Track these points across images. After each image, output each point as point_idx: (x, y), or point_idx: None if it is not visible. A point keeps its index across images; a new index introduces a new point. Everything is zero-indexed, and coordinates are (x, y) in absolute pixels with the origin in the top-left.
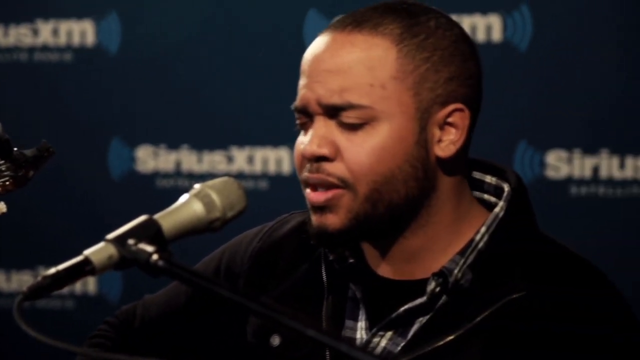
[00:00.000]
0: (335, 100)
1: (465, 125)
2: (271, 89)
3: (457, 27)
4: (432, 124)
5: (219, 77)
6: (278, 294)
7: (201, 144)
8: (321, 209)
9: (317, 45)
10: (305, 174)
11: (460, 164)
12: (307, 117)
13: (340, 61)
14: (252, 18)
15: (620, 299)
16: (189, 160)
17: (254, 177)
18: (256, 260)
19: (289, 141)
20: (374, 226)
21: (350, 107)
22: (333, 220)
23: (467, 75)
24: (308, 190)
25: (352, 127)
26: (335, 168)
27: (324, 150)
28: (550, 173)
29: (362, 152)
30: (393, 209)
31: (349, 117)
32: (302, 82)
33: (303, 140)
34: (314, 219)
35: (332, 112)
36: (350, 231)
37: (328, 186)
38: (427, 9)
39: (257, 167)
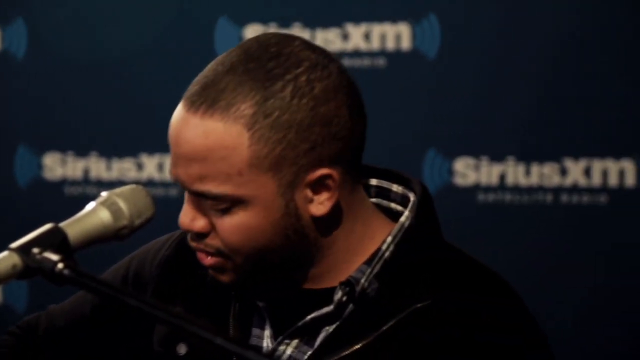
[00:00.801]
0: (197, 187)
1: (337, 182)
2: (180, 96)
3: (326, 78)
4: (300, 191)
5: (128, 83)
6: (186, 302)
7: (110, 151)
8: (211, 269)
9: (177, 121)
10: (188, 237)
11: (341, 209)
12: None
13: (196, 150)
14: (161, 24)
15: (522, 307)
16: (97, 167)
17: (164, 184)
18: (165, 268)
19: None
20: (267, 277)
21: (210, 196)
22: (225, 279)
23: (331, 136)
24: (197, 252)
25: (220, 210)
26: (211, 241)
27: (197, 227)
28: (458, 180)
29: (232, 231)
30: (278, 266)
31: (213, 203)
32: (171, 153)
33: (183, 208)
34: (210, 272)
35: (199, 195)
36: (244, 283)
37: (209, 254)
38: (289, 65)
39: (167, 175)
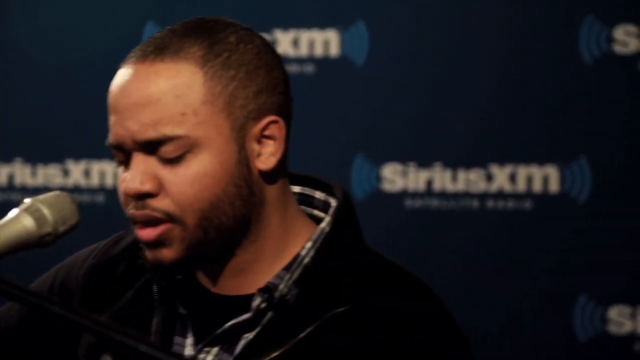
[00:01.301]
0: (151, 134)
1: (282, 135)
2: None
3: (258, 37)
4: (250, 140)
5: (55, 88)
6: (111, 311)
7: (35, 157)
8: (154, 244)
9: (122, 78)
10: (131, 212)
11: (281, 174)
12: (124, 154)
13: (148, 93)
14: (88, 28)
15: (442, 310)
16: (22, 173)
17: (91, 190)
18: (90, 277)
19: None
20: (209, 250)
21: (166, 139)
22: (167, 254)
23: (274, 84)
24: (136, 227)
25: (173, 160)
26: (160, 203)
27: (147, 187)
28: (386, 186)
29: (186, 182)
30: (224, 231)
31: (167, 150)
32: (112, 118)
33: (125, 177)
34: (148, 254)
35: (150, 146)
36: (186, 260)
37: (156, 222)
38: (226, 24)
39: (94, 181)
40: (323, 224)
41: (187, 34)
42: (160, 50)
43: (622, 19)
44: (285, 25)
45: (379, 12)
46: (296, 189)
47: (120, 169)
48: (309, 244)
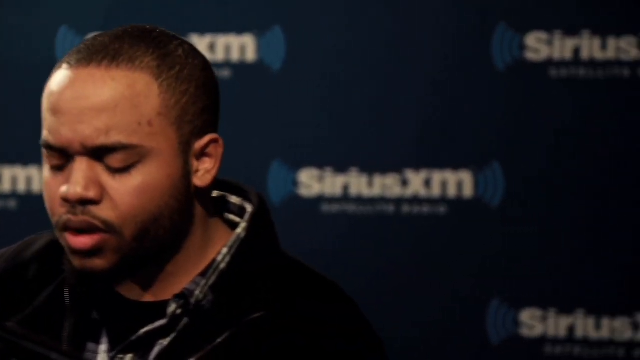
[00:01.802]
0: (103, 140)
1: (219, 154)
2: (22, 106)
3: (200, 54)
4: (191, 156)
5: None
6: (21, 316)
7: None
8: (86, 253)
9: (71, 80)
10: (65, 217)
11: (211, 190)
12: (63, 157)
13: (104, 99)
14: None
15: (357, 313)
16: None
17: (3, 196)
18: (0, 282)
19: (39, 160)
20: (139, 262)
21: (119, 147)
22: (99, 263)
23: (216, 103)
24: (67, 234)
25: (121, 169)
26: (101, 211)
27: (91, 194)
28: (303, 191)
29: (132, 193)
30: (158, 244)
31: (117, 158)
32: (56, 120)
33: (59, 181)
34: (76, 262)
35: (99, 153)
36: (117, 270)
37: (92, 230)
38: (169, 35)
39: (6, 186)
40: (239, 230)
41: (135, 42)
42: (113, 57)
43: (533, 26)
44: (202, 30)
45: (295, 17)
46: (213, 193)
47: (47, 172)
48: (224, 250)
